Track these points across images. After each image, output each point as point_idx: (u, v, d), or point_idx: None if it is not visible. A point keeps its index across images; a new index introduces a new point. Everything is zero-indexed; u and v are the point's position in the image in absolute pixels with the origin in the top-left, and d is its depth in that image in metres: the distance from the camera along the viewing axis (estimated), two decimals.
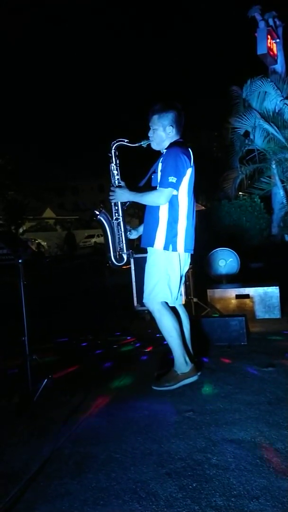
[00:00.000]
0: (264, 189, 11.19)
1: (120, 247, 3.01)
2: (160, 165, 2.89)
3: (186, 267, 3.07)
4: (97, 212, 2.96)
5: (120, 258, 3.01)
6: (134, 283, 4.92)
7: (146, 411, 2.66)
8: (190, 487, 1.86)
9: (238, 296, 4.98)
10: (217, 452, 2.12)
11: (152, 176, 3.00)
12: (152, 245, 2.92)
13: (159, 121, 2.94)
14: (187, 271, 3.15)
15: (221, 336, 3.93)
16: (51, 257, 22.65)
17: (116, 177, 2.97)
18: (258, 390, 2.83)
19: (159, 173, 2.88)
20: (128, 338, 4.46)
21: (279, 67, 11.96)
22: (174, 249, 2.89)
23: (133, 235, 3.15)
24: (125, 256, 3.02)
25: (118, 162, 2.99)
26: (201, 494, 1.80)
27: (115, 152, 2.97)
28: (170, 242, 2.88)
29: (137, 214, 21.19)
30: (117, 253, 3.01)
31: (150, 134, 2.99)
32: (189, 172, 2.89)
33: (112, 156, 2.97)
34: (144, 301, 3.04)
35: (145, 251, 3.05)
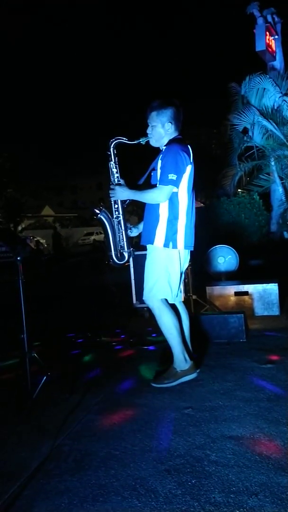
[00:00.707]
0: (263, 186, 11.18)
1: (121, 245, 3.01)
2: (159, 162, 2.89)
3: (186, 264, 3.07)
4: (98, 211, 2.95)
5: (121, 257, 3.01)
6: (133, 281, 4.92)
7: (145, 408, 2.66)
8: (189, 483, 1.86)
9: (237, 293, 4.98)
10: (216, 448, 2.13)
11: (152, 174, 3.00)
12: (152, 242, 2.92)
13: (157, 118, 2.94)
14: (186, 268, 3.15)
15: (220, 333, 3.94)
16: (50, 255, 22.61)
17: (116, 175, 2.97)
18: (257, 387, 2.84)
19: (158, 171, 2.88)
20: (122, 336, 4.46)
21: (277, 63, 11.94)
22: (174, 247, 2.89)
23: (134, 233, 3.15)
24: (126, 254, 3.02)
25: (117, 160, 2.98)
26: (200, 490, 1.81)
27: (114, 150, 2.97)
28: (170, 240, 2.88)
29: (136, 211, 21.17)
30: (118, 251, 3.00)
31: (148, 131, 2.98)
32: (189, 169, 2.88)
33: (111, 154, 2.97)
34: (144, 298, 3.04)
35: (144, 249, 3.05)
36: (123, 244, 3.01)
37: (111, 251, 2.98)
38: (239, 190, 12.64)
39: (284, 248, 9.22)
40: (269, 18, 11.71)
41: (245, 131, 11.36)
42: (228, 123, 11.50)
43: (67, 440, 2.34)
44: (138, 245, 3.25)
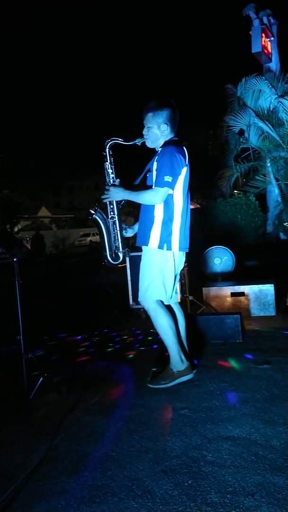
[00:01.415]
0: (259, 187, 11.22)
1: (116, 245, 3.01)
2: (155, 164, 2.89)
3: (181, 265, 3.07)
4: (93, 212, 2.96)
5: (116, 257, 3.02)
6: (129, 282, 4.92)
7: (142, 409, 2.66)
8: (186, 484, 1.87)
9: (233, 294, 4.99)
10: (213, 449, 2.13)
11: (147, 175, 3.00)
12: (147, 243, 2.93)
13: (153, 119, 2.94)
14: (182, 269, 3.16)
15: (217, 333, 3.94)
16: (46, 255, 22.57)
17: (111, 175, 2.97)
18: (254, 388, 2.85)
19: (154, 172, 2.88)
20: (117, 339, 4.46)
21: (273, 65, 11.99)
22: (169, 248, 2.89)
23: (129, 233, 3.15)
24: (121, 255, 3.03)
25: (113, 160, 2.99)
26: (197, 491, 1.81)
27: (109, 151, 2.97)
28: (165, 241, 2.88)
29: (132, 212, 21.18)
30: (113, 251, 3.01)
31: (144, 132, 2.98)
32: (184, 171, 2.89)
33: (106, 155, 2.97)
34: (139, 299, 3.04)
35: (141, 250, 3.06)
36: (118, 245, 3.01)
37: (105, 251, 2.99)
38: (235, 191, 12.66)
39: (280, 249, 9.26)
40: (265, 20, 11.76)
41: (241, 132, 11.40)
42: (225, 124, 11.54)
43: (64, 441, 2.34)
44: (134, 246, 3.25)
